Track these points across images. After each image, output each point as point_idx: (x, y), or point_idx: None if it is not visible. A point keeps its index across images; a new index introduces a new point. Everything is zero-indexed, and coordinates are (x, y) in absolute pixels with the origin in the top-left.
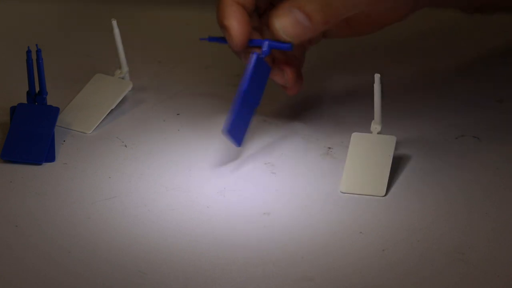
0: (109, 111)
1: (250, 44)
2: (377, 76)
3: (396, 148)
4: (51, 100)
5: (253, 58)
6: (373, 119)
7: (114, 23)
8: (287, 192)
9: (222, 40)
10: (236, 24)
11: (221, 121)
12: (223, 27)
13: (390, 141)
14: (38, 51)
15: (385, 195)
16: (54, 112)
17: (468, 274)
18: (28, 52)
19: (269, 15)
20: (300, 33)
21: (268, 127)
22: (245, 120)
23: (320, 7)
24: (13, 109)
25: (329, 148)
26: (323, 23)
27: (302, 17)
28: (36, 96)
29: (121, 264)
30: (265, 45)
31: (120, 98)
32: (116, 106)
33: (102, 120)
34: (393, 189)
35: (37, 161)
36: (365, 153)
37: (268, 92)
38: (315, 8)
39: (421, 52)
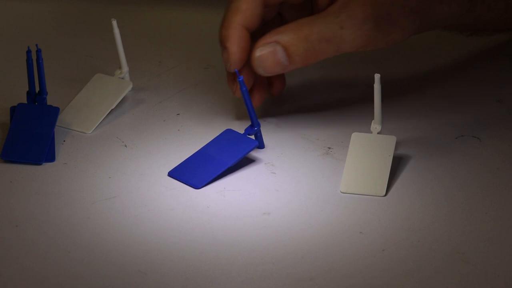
0: (109, 111)
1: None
2: (377, 76)
3: (396, 148)
4: (51, 100)
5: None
6: (373, 119)
7: (114, 23)
8: (287, 192)
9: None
10: (237, 49)
11: (221, 121)
12: (224, 47)
13: (390, 141)
14: (38, 51)
15: (385, 195)
16: (54, 112)
17: (468, 274)
18: (28, 52)
19: (255, 45)
20: (276, 71)
21: (268, 127)
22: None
23: (303, 50)
24: (13, 109)
25: (329, 148)
26: (302, 64)
27: (283, 56)
28: (36, 96)
29: (121, 264)
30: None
31: (120, 98)
32: (116, 106)
33: (102, 120)
34: (393, 189)
35: (37, 161)
36: (365, 153)
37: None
38: (297, 51)
39: (421, 51)
